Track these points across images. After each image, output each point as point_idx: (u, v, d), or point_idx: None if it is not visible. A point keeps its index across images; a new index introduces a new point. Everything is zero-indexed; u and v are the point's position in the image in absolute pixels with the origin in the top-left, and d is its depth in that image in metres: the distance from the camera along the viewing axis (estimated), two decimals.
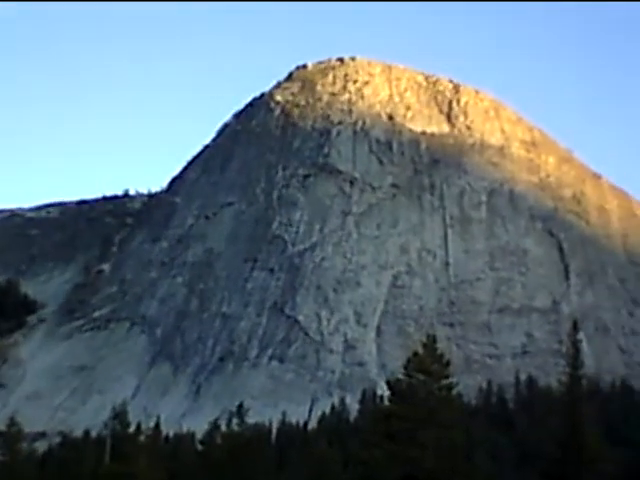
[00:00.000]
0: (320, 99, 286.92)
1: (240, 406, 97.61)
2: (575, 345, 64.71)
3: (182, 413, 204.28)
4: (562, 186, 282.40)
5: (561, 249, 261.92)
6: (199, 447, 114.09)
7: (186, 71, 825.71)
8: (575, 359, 63.84)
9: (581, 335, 75.07)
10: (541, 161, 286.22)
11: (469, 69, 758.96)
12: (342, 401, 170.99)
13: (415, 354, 61.65)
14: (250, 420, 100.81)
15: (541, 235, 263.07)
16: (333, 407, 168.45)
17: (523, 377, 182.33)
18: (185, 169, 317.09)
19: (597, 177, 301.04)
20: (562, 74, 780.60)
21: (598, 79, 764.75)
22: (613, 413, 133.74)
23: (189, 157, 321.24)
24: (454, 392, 62.69)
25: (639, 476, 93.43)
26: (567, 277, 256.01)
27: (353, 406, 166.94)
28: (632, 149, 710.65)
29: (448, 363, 61.66)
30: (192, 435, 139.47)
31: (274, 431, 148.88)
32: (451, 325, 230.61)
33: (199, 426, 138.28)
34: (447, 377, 60.68)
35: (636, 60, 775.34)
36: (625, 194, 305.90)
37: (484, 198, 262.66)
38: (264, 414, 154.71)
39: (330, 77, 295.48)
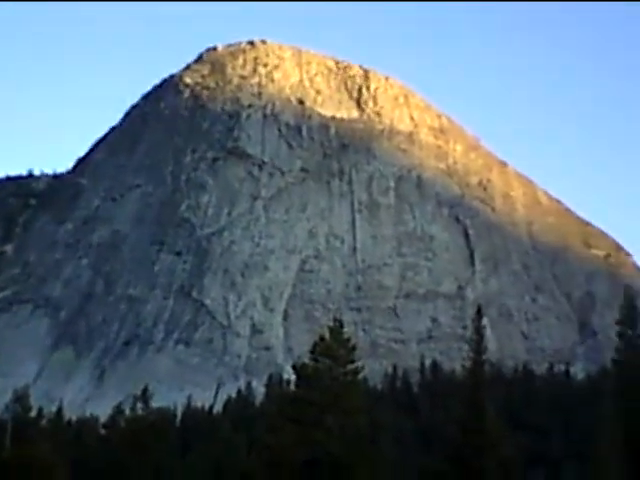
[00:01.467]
0: (230, 82, 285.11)
1: (145, 390, 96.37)
2: (479, 330, 65.27)
3: (85, 397, 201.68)
4: (469, 173, 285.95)
5: (467, 235, 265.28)
6: (102, 431, 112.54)
7: (95, 52, 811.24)
8: (478, 344, 64.42)
9: (485, 321, 75.93)
10: (449, 148, 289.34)
11: (379, 56, 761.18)
12: (248, 385, 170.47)
13: (321, 339, 61.48)
14: (155, 404, 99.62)
15: (447, 221, 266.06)
16: (239, 391, 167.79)
17: (428, 362, 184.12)
18: (91, 150, 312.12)
19: (503, 165, 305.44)
20: (470, 62, 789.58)
21: (504, 67, 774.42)
22: (515, 398, 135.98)
23: (96, 138, 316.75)
24: (359, 377, 62.72)
25: (539, 459, 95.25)
26: (472, 263, 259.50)
27: (259, 390, 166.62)
28: (538, 137, 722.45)
29: (354, 348, 61.63)
30: (96, 420, 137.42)
31: (179, 415, 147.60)
32: (358, 310, 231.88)
33: (103, 411, 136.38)
34: (353, 362, 60.66)
35: (541, 49, 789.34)
36: (530, 182, 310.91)
37: (392, 184, 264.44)
38: (169, 398, 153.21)
39: (240, 60, 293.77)
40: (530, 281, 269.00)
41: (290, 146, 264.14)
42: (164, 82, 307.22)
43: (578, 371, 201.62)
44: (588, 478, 62.34)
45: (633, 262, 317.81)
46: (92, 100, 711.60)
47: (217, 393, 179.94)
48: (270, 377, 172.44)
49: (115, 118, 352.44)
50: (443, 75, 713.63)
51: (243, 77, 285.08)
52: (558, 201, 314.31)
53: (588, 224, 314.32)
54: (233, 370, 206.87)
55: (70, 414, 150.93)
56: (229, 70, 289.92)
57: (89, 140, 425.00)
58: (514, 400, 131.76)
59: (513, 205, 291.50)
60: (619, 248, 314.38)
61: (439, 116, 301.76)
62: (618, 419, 60.57)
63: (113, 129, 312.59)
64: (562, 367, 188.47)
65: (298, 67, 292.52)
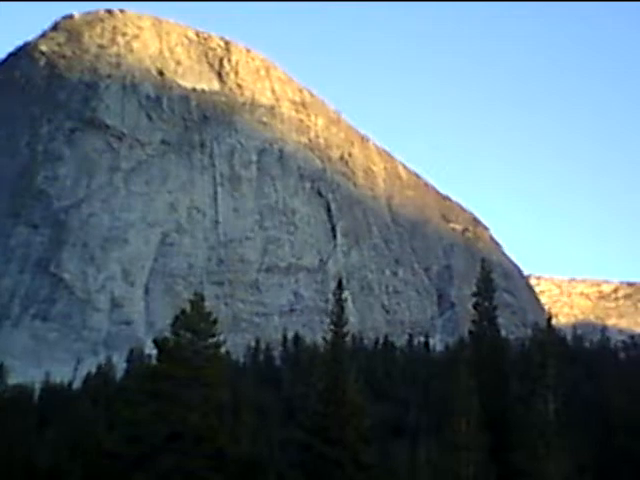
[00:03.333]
0: (87, 51, 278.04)
1: (0, 367, 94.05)
2: (340, 303, 65.72)
3: None
4: (330, 147, 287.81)
5: (329, 209, 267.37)
6: None
7: None
8: (339, 317, 64.86)
9: (346, 294, 76.36)
10: (310, 122, 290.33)
11: (241, 28, 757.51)
12: (109, 360, 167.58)
13: (183, 312, 60.93)
14: (11, 381, 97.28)
15: (309, 195, 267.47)
16: (99, 366, 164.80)
17: (290, 335, 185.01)
18: None
19: (364, 139, 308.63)
20: (329, 37, 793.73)
21: (361, 41, 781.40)
22: (376, 369, 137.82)
23: None
24: (221, 350, 62.49)
25: (400, 429, 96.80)
26: (334, 237, 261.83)
27: (120, 365, 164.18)
28: (398, 112, 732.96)
29: (215, 321, 61.26)
30: None
31: (37, 391, 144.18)
32: (220, 283, 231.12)
33: None
34: (214, 335, 60.34)
35: (391, 22, 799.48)
36: (390, 156, 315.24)
37: (254, 157, 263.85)
38: (26, 375, 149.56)
39: (98, 29, 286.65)
40: (390, 255, 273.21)
41: (150, 118, 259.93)
42: (19, 50, 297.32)
43: (437, 343, 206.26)
44: (445, 449, 63.59)
45: (490, 236, 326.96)
46: None
47: (76, 369, 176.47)
48: (131, 352, 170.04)
49: None
50: (304, 48, 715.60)
51: (101, 46, 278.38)
52: (418, 176, 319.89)
53: (447, 198, 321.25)
54: (93, 345, 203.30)
55: None
56: (86, 39, 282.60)
57: None
58: (375, 372, 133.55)
59: (374, 179, 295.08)
60: (477, 222, 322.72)
61: (300, 90, 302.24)
62: (474, 390, 61.94)
63: None
64: (421, 339, 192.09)
65: (158, 37, 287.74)
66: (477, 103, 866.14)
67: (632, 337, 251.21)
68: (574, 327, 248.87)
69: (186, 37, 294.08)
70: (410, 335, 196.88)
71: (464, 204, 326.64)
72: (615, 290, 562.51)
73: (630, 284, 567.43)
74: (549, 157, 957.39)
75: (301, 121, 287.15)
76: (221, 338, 61.37)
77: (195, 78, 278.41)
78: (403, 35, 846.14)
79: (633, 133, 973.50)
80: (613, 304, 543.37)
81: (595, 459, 72.07)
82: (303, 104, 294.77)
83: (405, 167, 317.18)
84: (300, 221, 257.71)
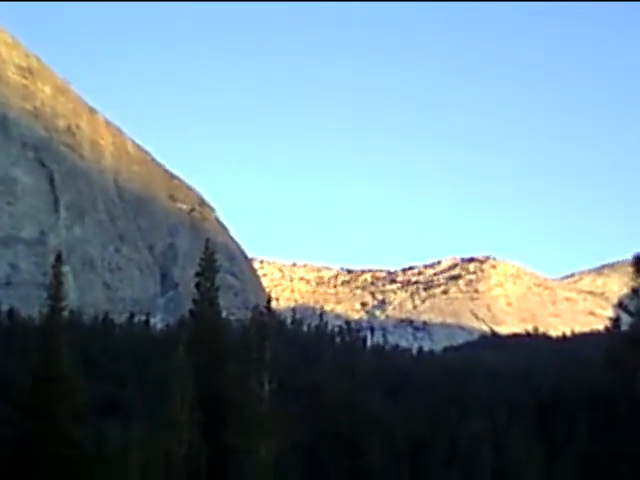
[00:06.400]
0: None
1: None
2: (58, 277, 63.94)
3: None
4: (57, 117, 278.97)
5: (52, 181, 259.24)
6: None
7: None
8: (57, 291, 63.05)
9: (67, 269, 74.16)
10: (37, 89, 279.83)
11: None
12: None
13: None
14: None
15: (32, 165, 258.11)
16: None
17: (5, 308, 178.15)
18: None
19: (93, 111, 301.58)
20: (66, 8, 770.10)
21: (98, 18, 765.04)
22: (94, 347, 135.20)
23: None
24: None
25: (115, 407, 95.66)
26: (57, 210, 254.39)
27: None
28: (130, 86, 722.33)
29: None
30: None
31: None
32: None
33: None
34: None
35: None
36: (120, 131, 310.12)
37: None
38: None
39: None
40: (115, 231, 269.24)
41: None
42: None
43: (158, 322, 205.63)
44: (158, 427, 63.46)
45: (216, 217, 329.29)
46: None
47: None
48: None
49: None
50: (33, 12, 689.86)
51: None
52: (147, 152, 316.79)
53: (175, 177, 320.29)
54: None
55: None
56: None
57: None
58: (92, 349, 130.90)
59: (101, 153, 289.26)
60: (203, 203, 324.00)
61: (27, 55, 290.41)
62: (190, 369, 62.10)
63: None
64: (143, 317, 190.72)
65: None
66: (203, 78, 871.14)
67: (348, 323, 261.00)
68: (294, 311, 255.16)
69: None
70: (132, 313, 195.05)
71: (192, 184, 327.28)
72: (335, 276, 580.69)
73: (349, 271, 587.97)
74: (278, 143, 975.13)
75: (27, 87, 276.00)
76: None
77: None
78: (130, 9, 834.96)
79: None
80: (332, 290, 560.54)
81: (307, 439, 74.21)
82: (30, 70, 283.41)
83: (134, 143, 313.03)
84: (21, 191, 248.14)
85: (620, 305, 55.63)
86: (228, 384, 67.81)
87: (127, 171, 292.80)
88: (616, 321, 55.13)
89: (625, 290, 61.77)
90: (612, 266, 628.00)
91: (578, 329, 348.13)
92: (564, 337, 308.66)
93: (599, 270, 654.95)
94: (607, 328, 60.83)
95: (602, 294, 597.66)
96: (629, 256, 57.94)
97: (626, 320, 54.17)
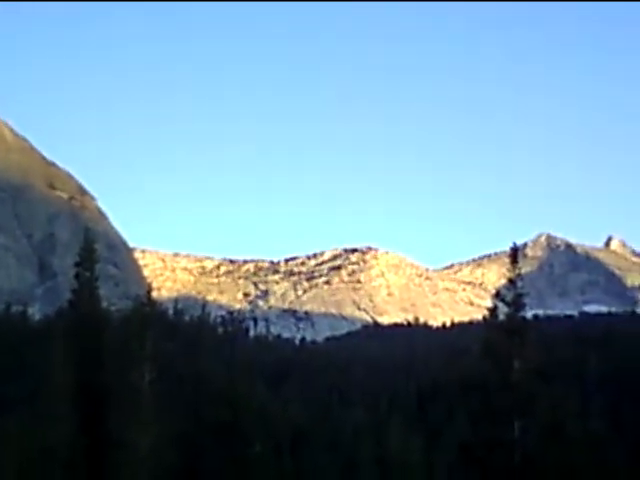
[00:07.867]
0: None
1: None
2: None
3: None
4: None
5: None
6: None
7: None
8: None
9: None
10: None
11: None
12: None
13: None
14: None
15: None
16: None
17: None
18: None
19: None
20: None
21: None
22: None
23: None
24: None
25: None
26: None
27: None
28: (8, 71, 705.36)
29: None
30: None
31: None
32: None
33: None
34: None
35: None
36: None
37: None
38: None
39: None
40: None
41: None
42: None
43: (36, 312, 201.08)
44: (36, 420, 62.21)
45: (97, 206, 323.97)
46: None
47: None
48: None
49: None
50: None
51: None
52: (24, 139, 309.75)
53: (53, 165, 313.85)
54: None
55: None
56: None
57: None
58: None
59: None
60: (84, 191, 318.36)
61: None
62: (68, 360, 61.00)
63: None
64: (20, 308, 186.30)
65: None
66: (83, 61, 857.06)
67: (231, 313, 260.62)
68: (176, 301, 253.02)
69: None
70: (8, 303, 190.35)
71: (72, 172, 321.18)
72: (217, 266, 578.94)
73: (232, 261, 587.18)
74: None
75: None
76: None
77: None
78: None
79: None
80: (215, 280, 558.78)
81: (188, 429, 73.75)
82: None
83: (12, 130, 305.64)
84: None
85: (497, 295, 56.65)
86: (108, 375, 66.89)
87: (5, 159, 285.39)
88: (493, 311, 56.17)
89: (502, 281, 63.20)
90: (490, 257, 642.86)
91: (458, 319, 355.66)
92: (444, 327, 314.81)
93: (478, 261, 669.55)
94: (485, 318, 62.02)
95: (481, 284, 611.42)
96: (506, 247, 59.26)
97: (503, 310, 55.31)
